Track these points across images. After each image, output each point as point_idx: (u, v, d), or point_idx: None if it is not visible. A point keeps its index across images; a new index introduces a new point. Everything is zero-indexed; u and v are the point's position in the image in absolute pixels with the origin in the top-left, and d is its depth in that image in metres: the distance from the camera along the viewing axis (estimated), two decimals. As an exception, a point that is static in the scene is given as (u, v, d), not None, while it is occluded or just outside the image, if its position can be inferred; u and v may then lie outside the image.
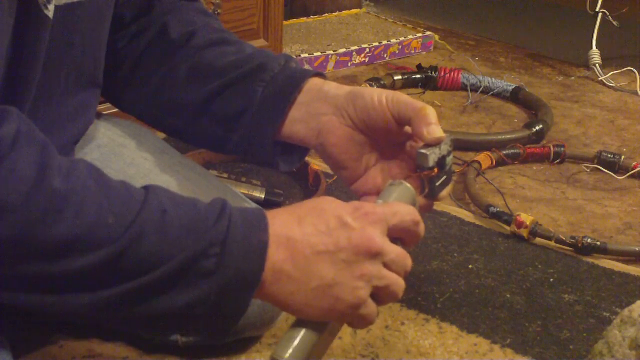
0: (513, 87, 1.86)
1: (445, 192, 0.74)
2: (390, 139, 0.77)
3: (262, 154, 0.82)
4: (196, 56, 0.83)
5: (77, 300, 0.58)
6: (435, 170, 0.71)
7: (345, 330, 1.02)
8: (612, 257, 1.24)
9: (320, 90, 0.78)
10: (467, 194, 1.40)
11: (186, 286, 0.59)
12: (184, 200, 0.62)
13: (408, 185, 0.70)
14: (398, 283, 0.65)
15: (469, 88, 1.87)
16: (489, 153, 1.52)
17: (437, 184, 0.72)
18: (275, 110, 0.79)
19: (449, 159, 0.73)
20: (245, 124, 0.80)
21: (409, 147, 0.77)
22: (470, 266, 1.19)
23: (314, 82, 0.79)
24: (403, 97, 0.74)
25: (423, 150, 0.71)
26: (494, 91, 1.87)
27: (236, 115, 0.80)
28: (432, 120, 0.71)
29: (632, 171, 1.50)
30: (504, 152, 1.53)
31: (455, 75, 1.88)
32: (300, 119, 0.78)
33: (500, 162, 1.53)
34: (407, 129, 0.76)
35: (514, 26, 2.50)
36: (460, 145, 1.57)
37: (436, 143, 0.71)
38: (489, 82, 1.88)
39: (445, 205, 1.36)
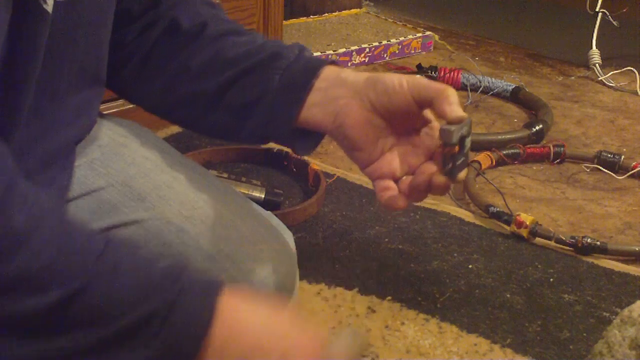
0: (513, 87, 1.86)
1: (462, 175, 0.74)
2: (408, 124, 0.77)
3: (278, 140, 0.82)
4: (209, 47, 0.83)
5: (20, 347, 0.58)
6: (457, 147, 0.71)
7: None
8: (612, 257, 1.24)
9: (338, 76, 0.78)
10: (467, 194, 1.40)
11: (130, 347, 0.59)
12: (141, 259, 0.61)
13: (359, 333, 0.71)
14: None
15: (469, 88, 1.87)
16: (489, 153, 1.52)
17: (458, 164, 0.73)
18: (293, 97, 0.78)
19: (468, 141, 0.73)
20: (262, 112, 0.80)
21: (425, 133, 0.77)
22: (470, 266, 1.19)
23: (331, 69, 0.79)
24: (424, 80, 0.74)
25: (447, 127, 0.71)
26: (494, 91, 1.87)
27: (252, 104, 0.80)
28: (454, 100, 0.71)
29: (632, 171, 1.50)
30: (504, 152, 1.53)
31: (455, 75, 1.88)
32: (318, 103, 0.78)
33: (500, 162, 1.53)
34: (427, 113, 0.76)
35: (514, 26, 2.50)
36: (460, 145, 1.57)
37: (458, 122, 0.71)
38: (489, 82, 1.88)
39: (445, 205, 1.36)
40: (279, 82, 0.79)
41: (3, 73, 0.65)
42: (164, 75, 0.85)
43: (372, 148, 0.77)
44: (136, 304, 0.58)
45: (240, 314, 0.62)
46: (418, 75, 0.74)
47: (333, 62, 0.80)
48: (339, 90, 0.77)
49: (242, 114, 0.81)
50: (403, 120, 0.76)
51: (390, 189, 0.76)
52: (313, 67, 0.79)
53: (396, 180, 0.77)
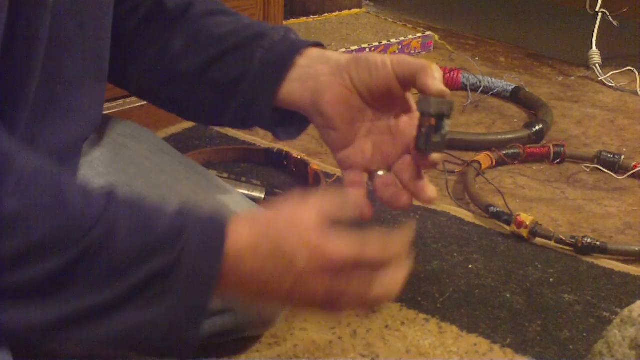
0: (513, 87, 1.86)
1: (437, 156, 0.72)
2: (388, 108, 0.75)
3: (260, 121, 0.80)
4: (194, 26, 0.82)
5: (29, 316, 0.59)
6: (433, 120, 0.69)
7: (345, 330, 1.03)
8: (612, 257, 1.24)
9: (322, 55, 0.77)
10: (467, 194, 1.40)
11: (134, 307, 0.60)
12: (141, 219, 0.61)
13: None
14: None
15: (469, 88, 1.87)
16: (489, 153, 1.52)
17: (433, 140, 0.70)
18: (274, 74, 0.77)
19: (447, 124, 0.70)
20: (244, 91, 0.79)
21: (405, 123, 0.75)
22: (470, 266, 1.19)
23: (315, 49, 0.78)
24: (407, 58, 0.72)
25: (426, 96, 0.69)
26: (494, 91, 1.87)
27: (234, 82, 0.79)
28: (437, 76, 0.70)
29: (632, 171, 1.50)
30: (504, 152, 1.53)
31: (455, 75, 1.88)
32: (298, 79, 0.76)
33: (500, 162, 1.53)
34: (409, 99, 0.74)
35: (514, 26, 2.50)
36: (460, 145, 1.57)
37: (439, 96, 0.69)
38: (489, 82, 1.88)
39: (445, 205, 1.36)
40: (261, 60, 0.78)
41: (3, 57, 0.64)
42: (148, 55, 0.83)
43: (347, 129, 0.74)
44: (140, 263, 0.59)
45: (245, 257, 0.61)
46: (403, 54, 0.72)
47: (320, 44, 0.79)
48: (321, 67, 0.75)
49: (226, 94, 0.80)
50: (384, 102, 0.74)
51: (390, 185, 0.76)
52: (297, 46, 0.77)
53: (370, 174, 0.76)
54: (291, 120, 0.80)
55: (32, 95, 0.68)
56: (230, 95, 0.80)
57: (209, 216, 0.62)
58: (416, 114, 0.73)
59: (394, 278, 0.64)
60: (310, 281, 0.62)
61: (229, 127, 0.84)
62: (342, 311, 0.65)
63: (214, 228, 0.61)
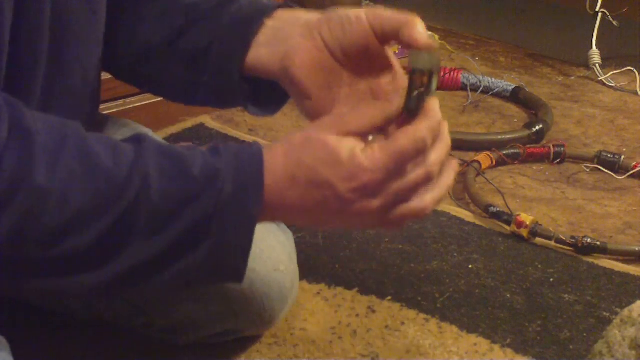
0: (513, 87, 1.86)
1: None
2: (366, 67, 0.69)
3: (233, 96, 0.76)
4: None
5: (82, 282, 0.60)
6: (426, 79, 0.64)
7: (345, 330, 1.03)
8: (612, 257, 1.24)
9: (293, 15, 0.71)
10: (467, 194, 1.40)
11: (181, 255, 0.60)
12: (173, 164, 0.60)
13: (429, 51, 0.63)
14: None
15: (469, 88, 1.87)
16: (489, 153, 1.52)
17: (426, 99, 0.64)
18: (240, 40, 0.72)
19: (435, 80, 0.64)
20: (212, 61, 0.75)
21: (386, 82, 0.70)
22: (470, 266, 1.19)
23: (287, 10, 0.72)
24: (386, 11, 0.66)
25: (418, 51, 0.64)
26: (494, 91, 1.87)
27: (203, 52, 0.75)
28: (423, 29, 0.64)
29: (632, 171, 1.50)
30: (504, 152, 1.53)
31: (455, 75, 1.88)
32: (266, 43, 0.71)
33: (500, 162, 1.53)
34: (389, 54, 0.69)
35: (514, 26, 2.50)
36: (460, 145, 1.57)
37: (428, 50, 0.64)
38: (489, 82, 1.88)
39: (445, 205, 1.36)
40: (227, 26, 0.73)
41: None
42: (122, 32, 0.81)
43: (322, 95, 0.69)
44: (180, 211, 0.59)
45: (284, 188, 0.61)
46: (380, 8, 0.67)
47: (293, 7, 0.73)
48: (291, 29, 0.69)
49: (196, 67, 0.76)
50: (361, 61, 0.68)
51: None
52: (267, 7, 0.73)
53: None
54: (270, 94, 0.76)
55: (40, 83, 0.68)
56: (201, 66, 0.75)
57: (241, 149, 0.61)
58: (399, 71, 0.69)
59: (441, 158, 0.63)
60: (357, 200, 0.61)
61: (209, 106, 0.79)
62: (404, 216, 0.63)
63: (250, 161, 0.61)
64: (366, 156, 0.60)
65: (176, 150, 0.61)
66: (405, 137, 0.60)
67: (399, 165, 0.60)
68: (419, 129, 0.61)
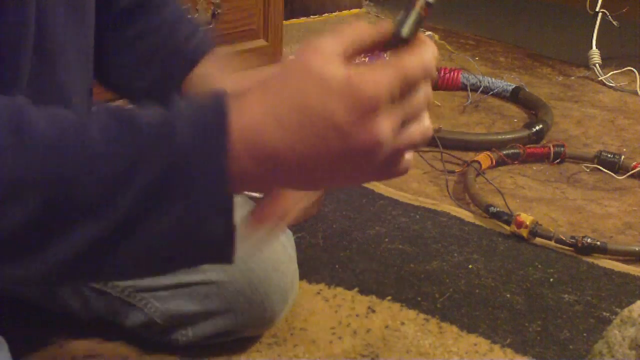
0: (513, 87, 1.86)
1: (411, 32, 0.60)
2: None
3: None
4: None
5: (26, 266, 0.52)
6: (426, 11, 0.60)
7: (345, 331, 1.03)
8: (612, 257, 1.24)
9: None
10: (467, 194, 1.40)
11: (143, 226, 0.52)
12: (119, 129, 0.51)
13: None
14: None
15: (469, 88, 1.87)
16: (489, 153, 1.52)
17: (420, 28, 0.60)
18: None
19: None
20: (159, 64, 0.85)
21: None
22: (470, 266, 1.19)
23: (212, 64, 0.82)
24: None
25: None
26: (494, 91, 1.87)
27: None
28: None
29: (632, 171, 1.50)
30: (504, 152, 1.53)
31: (455, 75, 1.88)
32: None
33: (500, 162, 1.53)
34: None
35: (514, 26, 2.50)
36: (460, 145, 1.57)
37: None
38: (489, 82, 1.88)
39: (445, 205, 1.36)
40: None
41: None
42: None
43: None
44: (128, 180, 0.50)
45: (266, 133, 0.50)
46: None
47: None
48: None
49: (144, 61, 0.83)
50: None
51: None
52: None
53: None
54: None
55: (26, 78, 0.68)
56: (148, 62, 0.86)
57: (201, 96, 0.52)
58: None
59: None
60: (362, 131, 0.50)
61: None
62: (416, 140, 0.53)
63: (212, 102, 0.51)
64: (368, 77, 0.50)
65: (127, 111, 0.53)
66: (410, 58, 0.53)
67: (404, 85, 0.52)
68: (426, 51, 0.55)
